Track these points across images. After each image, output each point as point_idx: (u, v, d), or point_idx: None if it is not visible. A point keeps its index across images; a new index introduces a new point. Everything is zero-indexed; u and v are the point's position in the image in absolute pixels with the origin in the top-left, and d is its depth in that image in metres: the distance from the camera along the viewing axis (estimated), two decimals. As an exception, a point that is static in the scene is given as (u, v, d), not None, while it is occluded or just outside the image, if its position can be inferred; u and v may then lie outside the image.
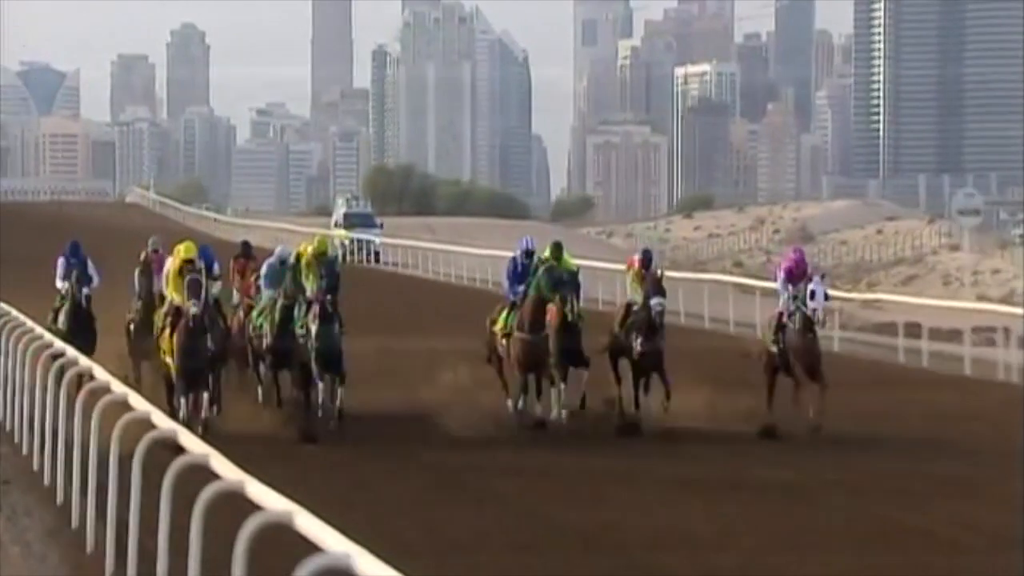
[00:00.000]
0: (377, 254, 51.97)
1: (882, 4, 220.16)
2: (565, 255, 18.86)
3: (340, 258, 30.45)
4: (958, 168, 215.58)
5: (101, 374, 13.24)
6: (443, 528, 12.34)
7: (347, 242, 52.08)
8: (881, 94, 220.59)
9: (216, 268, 19.23)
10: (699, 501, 13.61)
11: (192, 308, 16.61)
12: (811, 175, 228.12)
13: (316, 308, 17.76)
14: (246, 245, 21.40)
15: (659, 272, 18.89)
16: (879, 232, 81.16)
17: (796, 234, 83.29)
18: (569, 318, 17.96)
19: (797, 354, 17.83)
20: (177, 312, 17.14)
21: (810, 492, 14.21)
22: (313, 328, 17.67)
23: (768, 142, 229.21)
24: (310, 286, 18.15)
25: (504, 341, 18.06)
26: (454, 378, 18.66)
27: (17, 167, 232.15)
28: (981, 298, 53.92)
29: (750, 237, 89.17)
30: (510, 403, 18.05)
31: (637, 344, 18.10)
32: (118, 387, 12.13)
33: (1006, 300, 49.50)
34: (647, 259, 18.88)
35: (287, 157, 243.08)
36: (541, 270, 17.90)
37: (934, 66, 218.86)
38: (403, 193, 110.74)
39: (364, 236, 52.90)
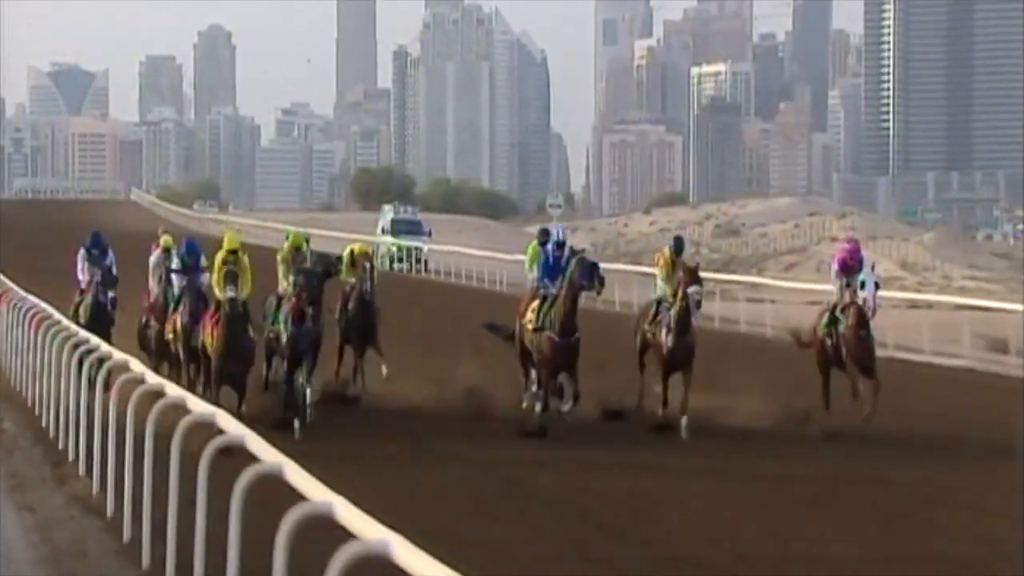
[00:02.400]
0: (425, 262, 51.00)
1: (892, 3, 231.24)
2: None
3: (385, 263, 29.08)
4: (967, 166, 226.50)
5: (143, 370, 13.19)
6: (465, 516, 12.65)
7: (395, 249, 51.66)
8: (891, 93, 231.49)
9: (203, 260, 19.57)
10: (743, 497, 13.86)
11: (229, 293, 16.83)
12: (823, 173, 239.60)
13: (287, 307, 17.67)
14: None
15: (694, 262, 18.82)
16: (796, 226, 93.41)
17: (726, 228, 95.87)
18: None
19: (850, 351, 17.63)
20: (219, 305, 17.33)
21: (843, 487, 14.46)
22: (285, 330, 17.58)
23: (780, 140, 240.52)
24: (283, 282, 18.22)
25: (534, 336, 17.69)
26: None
27: (48, 166, 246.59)
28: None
29: (693, 231, 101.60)
30: (524, 398, 17.99)
31: (668, 340, 17.80)
32: (173, 388, 11.93)
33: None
34: (678, 247, 18.48)
35: (310, 156, 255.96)
36: (573, 262, 17.67)
37: (943, 65, 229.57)
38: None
39: (412, 243, 52.09)
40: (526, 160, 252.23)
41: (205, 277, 19.22)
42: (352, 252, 20.38)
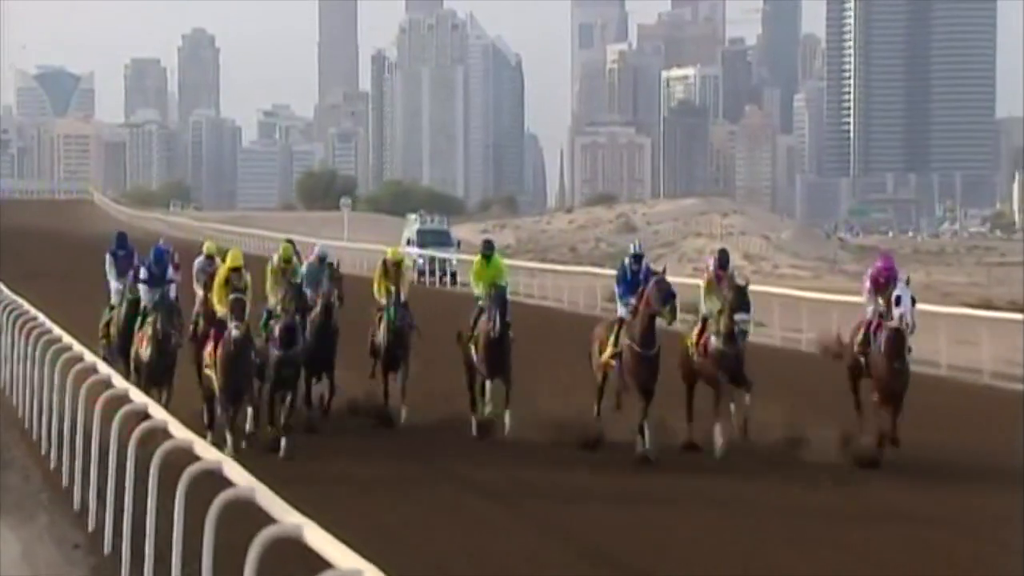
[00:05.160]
0: (454, 274, 49.37)
1: (852, 8, 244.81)
2: (496, 255, 19.33)
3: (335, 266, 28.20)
4: (925, 167, 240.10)
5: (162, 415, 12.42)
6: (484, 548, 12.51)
7: (421, 261, 50.11)
8: (852, 96, 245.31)
9: (170, 272, 19.36)
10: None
11: (234, 331, 16.41)
12: (787, 174, 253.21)
13: (279, 324, 17.36)
14: (290, 243, 20.47)
15: (740, 279, 18.06)
16: (684, 224, 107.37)
17: (623, 227, 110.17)
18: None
19: (882, 381, 17.02)
20: (221, 324, 17.00)
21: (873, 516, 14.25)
22: (273, 353, 17.26)
23: (746, 142, 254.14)
24: (272, 298, 17.91)
25: (614, 361, 17.43)
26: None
27: (34, 167, 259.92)
28: (697, 271, 79.87)
29: (604, 229, 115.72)
30: (595, 408, 17.70)
31: (718, 343, 17.48)
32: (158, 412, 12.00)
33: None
34: (723, 261, 17.99)
35: (290, 157, 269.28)
36: (652, 285, 17.14)
37: (902, 69, 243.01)
38: (327, 193, 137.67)
39: (439, 255, 50.73)
40: (501, 162, 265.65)
41: (173, 288, 19.15)
42: (384, 261, 20.03)
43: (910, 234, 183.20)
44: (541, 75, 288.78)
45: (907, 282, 17.27)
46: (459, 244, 55.70)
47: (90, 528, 13.08)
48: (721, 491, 15.51)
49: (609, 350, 17.69)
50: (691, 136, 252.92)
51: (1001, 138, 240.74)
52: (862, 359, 17.36)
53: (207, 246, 20.78)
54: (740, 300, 17.62)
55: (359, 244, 58.67)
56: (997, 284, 76.10)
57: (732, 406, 17.38)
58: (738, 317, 17.53)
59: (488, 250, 19.50)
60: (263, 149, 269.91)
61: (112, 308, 20.59)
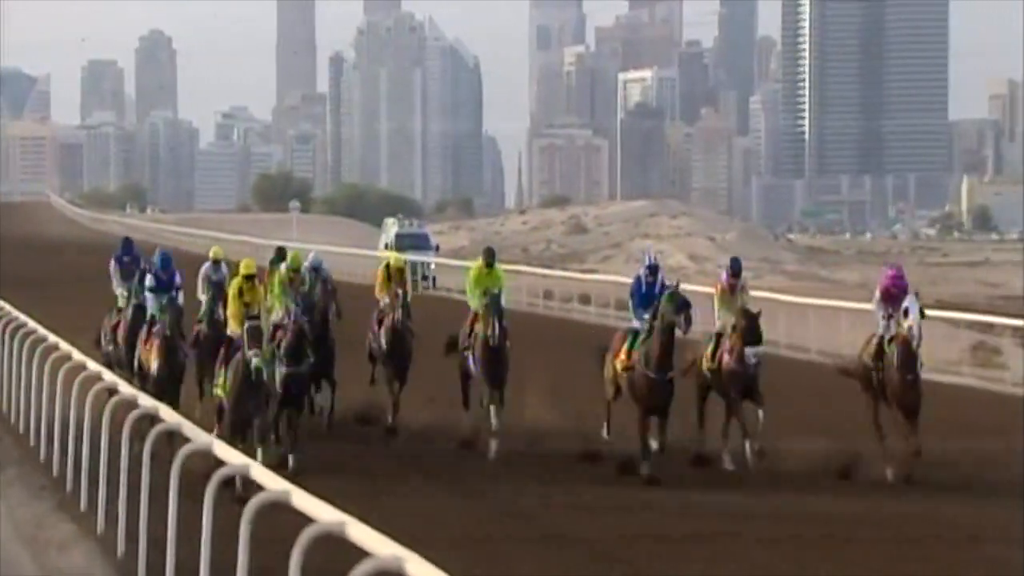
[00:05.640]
0: (433, 279, 49.59)
1: (807, 11, 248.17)
2: (497, 265, 18.87)
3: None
4: (879, 169, 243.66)
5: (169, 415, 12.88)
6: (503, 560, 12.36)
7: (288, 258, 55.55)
8: (807, 99, 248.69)
9: (177, 277, 18.86)
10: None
11: (254, 359, 15.93)
12: (743, 176, 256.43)
13: (286, 340, 16.98)
14: (281, 251, 20.85)
15: (746, 287, 17.87)
16: (635, 226, 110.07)
17: (574, 227, 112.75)
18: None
19: (896, 394, 16.95)
20: (230, 341, 16.59)
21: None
22: (280, 370, 16.86)
23: (702, 145, 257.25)
24: (278, 307, 17.63)
25: (625, 375, 17.10)
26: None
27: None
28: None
29: (556, 230, 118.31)
30: (605, 431, 17.38)
31: (730, 360, 17.42)
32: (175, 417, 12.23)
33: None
34: (735, 269, 17.93)
35: (248, 159, 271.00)
36: (665, 297, 16.80)
37: (856, 72, 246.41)
38: (283, 195, 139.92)
39: (418, 259, 49.91)
40: (459, 163, 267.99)
41: (180, 295, 18.78)
42: (387, 266, 19.81)
43: (869, 236, 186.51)
44: (499, 77, 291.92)
45: (916, 294, 17.23)
46: (438, 248, 55.17)
47: (99, 532, 13.25)
48: (724, 502, 15.37)
49: (622, 359, 17.26)
50: (648, 138, 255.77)
51: (954, 140, 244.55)
52: (874, 374, 17.24)
53: (213, 251, 20.32)
54: (751, 331, 17.50)
55: (310, 245, 61.43)
56: (930, 284, 78.86)
57: (746, 423, 17.32)
58: (749, 351, 17.50)
59: (490, 258, 19.05)
60: (221, 151, 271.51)
61: (119, 310, 20.11)
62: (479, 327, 18.57)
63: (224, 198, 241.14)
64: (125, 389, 14.93)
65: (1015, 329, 31.68)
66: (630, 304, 17.74)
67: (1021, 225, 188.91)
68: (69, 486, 15.32)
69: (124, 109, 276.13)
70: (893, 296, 17.42)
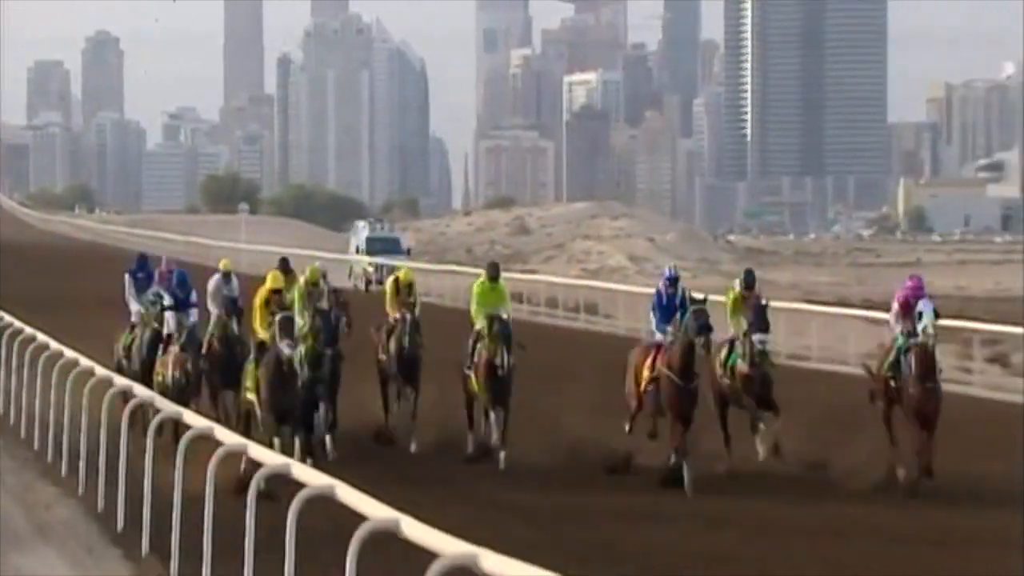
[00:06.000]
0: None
1: (749, 15, 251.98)
2: (501, 281, 18.52)
3: (362, 286, 30.30)
4: (819, 171, 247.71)
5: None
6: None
7: (371, 269, 48.27)
8: (749, 102, 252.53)
9: (194, 297, 18.91)
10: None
11: (286, 349, 15.85)
12: (687, 177, 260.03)
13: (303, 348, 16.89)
14: (284, 261, 20.52)
15: (764, 300, 17.81)
16: (576, 227, 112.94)
17: (518, 228, 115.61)
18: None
19: (912, 403, 16.57)
20: (261, 346, 16.43)
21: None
22: (303, 372, 16.84)
23: (647, 146, 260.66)
24: (300, 320, 17.31)
25: (651, 386, 16.91)
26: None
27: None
28: (585, 272, 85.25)
29: (500, 231, 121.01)
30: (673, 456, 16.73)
31: (744, 366, 17.45)
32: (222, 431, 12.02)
33: (594, 274, 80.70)
34: (749, 281, 17.81)
35: (196, 159, 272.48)
36: (689, 315, 16.64)
37: (797, 75, 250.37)
38: (231, 196, 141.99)
39: (390, 263, 48.19)
40: (406, 165, 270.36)
41: (195, 312, 18.88)
42: (396, 280, 19.70)
43: (812, 236, 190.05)
44: (446, 79, 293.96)
45: (930, 299, 16.93)
46: (409, 251, 55.18)
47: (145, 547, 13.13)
48: (738, 511, 15.40)
49: (646, 374, 17.14)
50: (593, 140, 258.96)
51: (893, 143, 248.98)
52: (892, 383, 16.92)
53: (223, 263, 20.08)
54: (760, 320, 17.52)
55: (258, 246, 62.71)
56: (858, 283, 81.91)
57: (762, 426, 17.40)
58: (756, 337, 17.49)
59: (494, 272, 18.62)
60: (168, 151, 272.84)
61: (133, 328, 19.91)
62: (483, 349, 18.15)
63: (172, 199, 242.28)
64: (120, 380, 15.73)
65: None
66: (652, 317, 17.55)
67: (955, 226, 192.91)
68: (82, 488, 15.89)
69: (71, 110, 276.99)
70: (912, 308, 16.95)
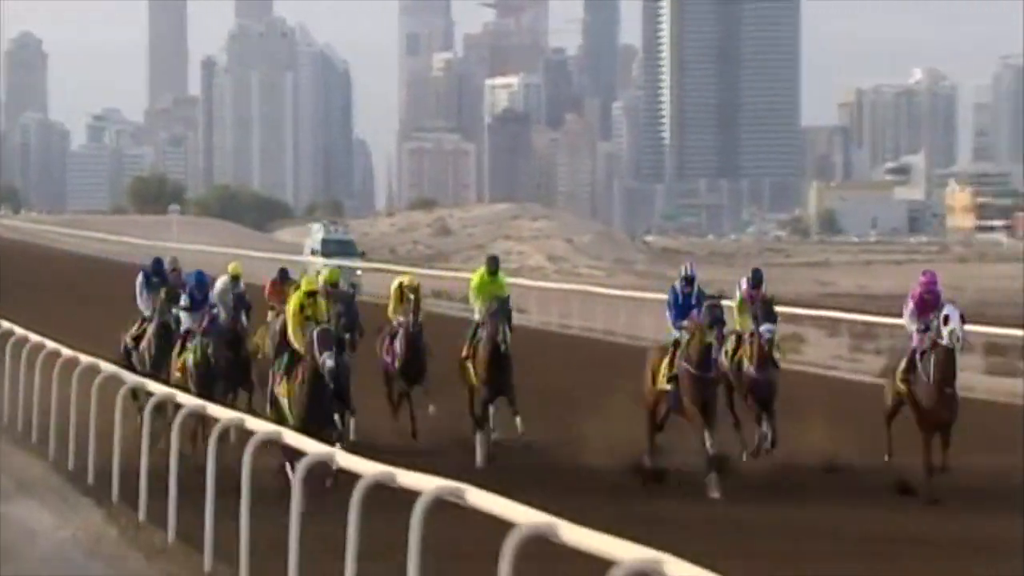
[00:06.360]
0: (358, 286, 47.88)
1: (667, 19, 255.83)
2: (500, 274, 18.65)
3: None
4: (735, 173, 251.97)
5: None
6: None
7: (326, 272, 50.58)
8: (667, 105, 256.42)
9: (212, 296, 19.00)
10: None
11: (328, 362, 15.43)
12: (606, 179, 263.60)
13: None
14: (283, 272, 20.84)
15: (769, 294, 17.87)
16: (497, 228, 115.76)
17: (440, 229, 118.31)
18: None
19: (930, 411, 16.27)
20: (294, 355, 15.98)
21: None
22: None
23: (567, 149, 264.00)
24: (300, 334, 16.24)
25: (670, 386, 16.66)
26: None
27: None
28: (504, 272, 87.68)
29: (422, 232, 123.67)
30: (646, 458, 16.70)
31: (750, 369, 17.49)
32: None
33: (514, 273, 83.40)
34: (756, 280, 17.92)
35: (120, 161, 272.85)
36: (704, 310, 16.53)
37: (714, 80, 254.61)
38: (158, 197, 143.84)
39: (344, 265, 48.16)
40: (330, 166, 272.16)
41: (216, 312, 18.85)
42: (401, 286, 19.63)
43: (732, 237, 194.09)
44: (369, 82, 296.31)
45: (955, 303, 16.76)
46: (364, 254, 55.53)
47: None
48: (735, 514, 15.16)
49: (663, 372, 16.98)
50: (514, 142, 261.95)
51: (806, 146, 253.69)
52: (903, 386, 16.60)
53: (232, 267, 20.11)
54: (767, 313, 17.61)
55: (190, 246, 65.26)
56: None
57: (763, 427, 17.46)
58: (764, 327, 17.56)
59: (494, 266, 18.84)
60: (92, 152, 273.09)
61: (143, 321, 20.12)
62: (484, 332, 18.23)
63: (96, 199, 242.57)
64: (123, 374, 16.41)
65: (816, 319, 37.52)
66: (668, 316, 17.44)
67: (864, 227, 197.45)
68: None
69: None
70: (927, 304, 16.69)
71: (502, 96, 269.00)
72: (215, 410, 14.11)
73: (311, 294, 16.58)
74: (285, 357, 16.33)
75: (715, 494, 16.12)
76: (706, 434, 16.49)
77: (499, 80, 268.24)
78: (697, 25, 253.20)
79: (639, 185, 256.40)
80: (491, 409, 18.31)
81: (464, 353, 18.51)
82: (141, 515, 14.91)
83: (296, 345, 16.18)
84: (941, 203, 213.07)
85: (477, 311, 18.63)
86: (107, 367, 17.37)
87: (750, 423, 17.96)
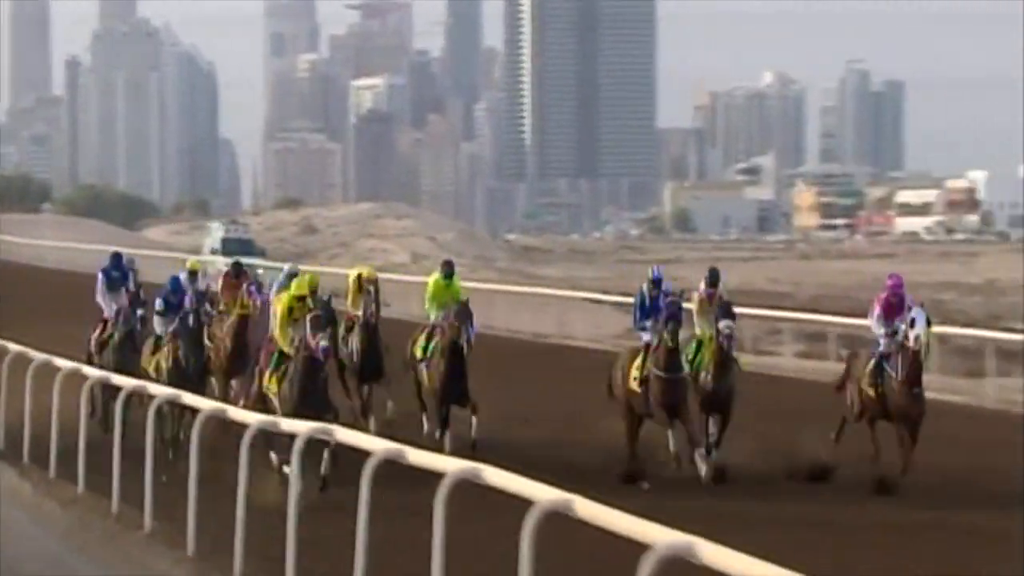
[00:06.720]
0: (260, 284, 53.35)
1: (528, 22, 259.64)
2: (456, 277, 18.70)
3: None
4: (594, 173, 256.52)
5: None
6: None
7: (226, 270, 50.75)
8: (528, 107, 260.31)
9: (187, 302, 18.81)
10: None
11: (323, 342, 15.48)
12: (469, 179, 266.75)
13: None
14: (237, 265, 20.88)
15: (724, 295, 17.65)
16: (362, 227, 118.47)
17: (305, 228, 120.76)
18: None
19: (899, 409, 16.39)
20: (282, 356, 16.04)
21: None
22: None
23: (431, 149, 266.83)
24: (284, 337, 16.34)
25: (639, 388, 16.80)
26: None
27: None
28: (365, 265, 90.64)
29: (288, 230, 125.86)
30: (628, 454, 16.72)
31: (707, 379, 17.17)
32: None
33: (379, 270, 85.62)
34: (713, 279, 17.63)
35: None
36: (664, 305, 16.85)
37: (573, 82, 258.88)
38: (23, 196, 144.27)
39: (246, 262, 46.04)
40: (195, 166, 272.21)
41: (191, 317, 18.54)
42: (359, 277, 19.28)
43: (597, 235, 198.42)
44: (234, 82, 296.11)
45: (923, 305, 16.63)
46: (264, 253, 55.24)
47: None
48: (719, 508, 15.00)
49: (633, 373, 17.03)
50: (379, 143, 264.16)
51: (662, 147, 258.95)
52: (872, 392, 16.68)
53: (191, 263, 20.30)
54: (725, 310, 17.42)
55: (64, 243, 67.53)
56: (619, 278, 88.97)
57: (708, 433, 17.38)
58: (722, 324, 17.34)
59: (449, 270, 18.84)
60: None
61: (105, 323, 19.75)
62: (439, 337, 18.01)
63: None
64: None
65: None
66: (634, 316, 17.58)
67: (716, 226, 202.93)
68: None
69: None
70: (893, 307, 16.80)
71: (367, 97, 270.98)
72: (119, 380, 15.93)
73: (301, 298, 16.50)
74: (276, 356, 16.29)
75: (702, 473, 16.38)
76: (669, 434, 16.62)
77: (364, 81, 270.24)
78: (557, 28, 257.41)
79: (501, 185, 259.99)
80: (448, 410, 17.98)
81: (419, 355, 18.41)
82: (51, 473, 17.13)
83: (282, 345, 16.22)
84: (789, 202, 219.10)
85: (432, 316, 18.61)
86: (13, 347, 18.95)
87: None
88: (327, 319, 16.76)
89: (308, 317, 16.10)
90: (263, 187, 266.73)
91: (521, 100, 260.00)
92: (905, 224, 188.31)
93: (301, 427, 11.66)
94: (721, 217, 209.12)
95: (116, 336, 19.55)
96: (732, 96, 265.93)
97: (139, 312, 19.50)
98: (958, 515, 15.36)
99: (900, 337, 16.63)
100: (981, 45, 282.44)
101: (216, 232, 57.69)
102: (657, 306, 17.26)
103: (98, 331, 20.12)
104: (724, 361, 17.49)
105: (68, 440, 16.51)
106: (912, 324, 16.51)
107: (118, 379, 16.29)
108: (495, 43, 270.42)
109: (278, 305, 16.87)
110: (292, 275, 19.22)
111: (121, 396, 15.58)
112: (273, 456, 15.56)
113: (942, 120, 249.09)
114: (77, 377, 17.49)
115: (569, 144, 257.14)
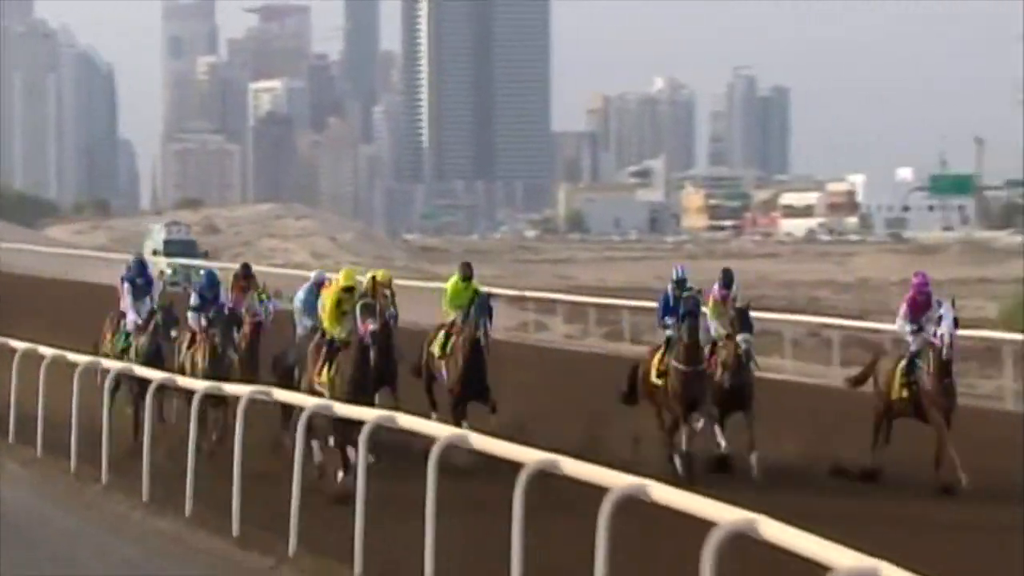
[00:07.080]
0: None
1: (425, 26, 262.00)
2: (475, 281, 18.73)
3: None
4: (491, 175, 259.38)
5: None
6: None
7: (169, 271, 48.77)
8: (425, 109, 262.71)
9: (223, 297, 18.86)
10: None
11: (372, 325, 15.86)
12: (368, 181, 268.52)
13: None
14: (246, 267, 20.64)
15: (737, 298, 17.69)
16: (263, 226, 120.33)
17: (208, 228, 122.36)
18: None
19: (934, 401, 16.50)
20: (332, 342, 16.37)
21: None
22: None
23: (330, 151, 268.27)
24: (337, 327, 16.69)
25: (660, 380, 16.99)
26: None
27: None
28: (272, 267, 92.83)
29: (192, 230, 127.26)
30: (671, 451, 16.81)
31: (725, 377, 17.35)
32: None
33: (282, 267, 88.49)
34: (727, 280, 17.85)
35: None
36: (681, 300, 17.10)
37: (470, 85, 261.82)
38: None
39: (188, 263, 49.09)
40: (93, 166, 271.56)
41: (226, 310, 18.47)
42: (373, 279, 18.85)
43: (497, 236, 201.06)
44: (133, 84, 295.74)
45: (953, 303, 16.64)
46: (207, 254, 56.74)
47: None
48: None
49: (654, 369, 17.26)
50: (278, 144, 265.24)
51: (556, 150, 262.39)
52: (906, 392, 16.81)
53: (137, 254, 20.51)
54: (742, 321, 17.51)
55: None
56: (516, 277, 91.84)
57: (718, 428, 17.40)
58: (740, 338, 17.48)
59: (468, 272, 18.83)
60: None
61: (128, 336, 19.50)
62: (457, 336, 18.18)
63: None
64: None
65: (560, 303, 43.96)
66: (657, 315, 17.89)
67: (609, 227, 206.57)
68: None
69: None
70: (919, 305, 16.90)
71: (265, 99, 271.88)
72: (107, 363, 17.62)
73: (348, 289, 16.94)
74: (324, 351, 16.70)
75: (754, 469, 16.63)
76: (683, 428, 16.89)
77: (263, 84, 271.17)
78: (454, 33, 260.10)
79: (399, 186, 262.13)
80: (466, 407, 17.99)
81: (437, 353, 18.60)
82: (10, 439, 19.09)
83: (334, 333, 16.69)
84: (679, 204, 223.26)
85: (452, 317, 18.77)
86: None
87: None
88: (374, 308, 16.89)
89: (359, 304, 16.57)
90: (162, 187, 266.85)
91: (419, 103, 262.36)
92: (789, 225, 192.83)
93: (368, 414, 11.58)
94: (612, 218, 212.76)
95: (141, 349, 19.33)
96: (624, 101, 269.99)
97: (173, 333, 19.10)
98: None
99: (926, 334, 16.82)
100: (864, 54, 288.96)
101: (158, 234, 58.17)
102: (680, 304, 17.54)
103: (117, 339, 20.04)
104: (741, 362, 17.72)
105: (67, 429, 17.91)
106: (939, 322, 16.69)
107: (142, 371, 17.30)
108: (393, 47, 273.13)
109: (327, 299, 17.21)
110: (320, 282, 19.06)
111: (151, 389, 16.32)
112: (314, 444, 15.95)
113: (826, 125, 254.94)
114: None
115: (466, 146, 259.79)
